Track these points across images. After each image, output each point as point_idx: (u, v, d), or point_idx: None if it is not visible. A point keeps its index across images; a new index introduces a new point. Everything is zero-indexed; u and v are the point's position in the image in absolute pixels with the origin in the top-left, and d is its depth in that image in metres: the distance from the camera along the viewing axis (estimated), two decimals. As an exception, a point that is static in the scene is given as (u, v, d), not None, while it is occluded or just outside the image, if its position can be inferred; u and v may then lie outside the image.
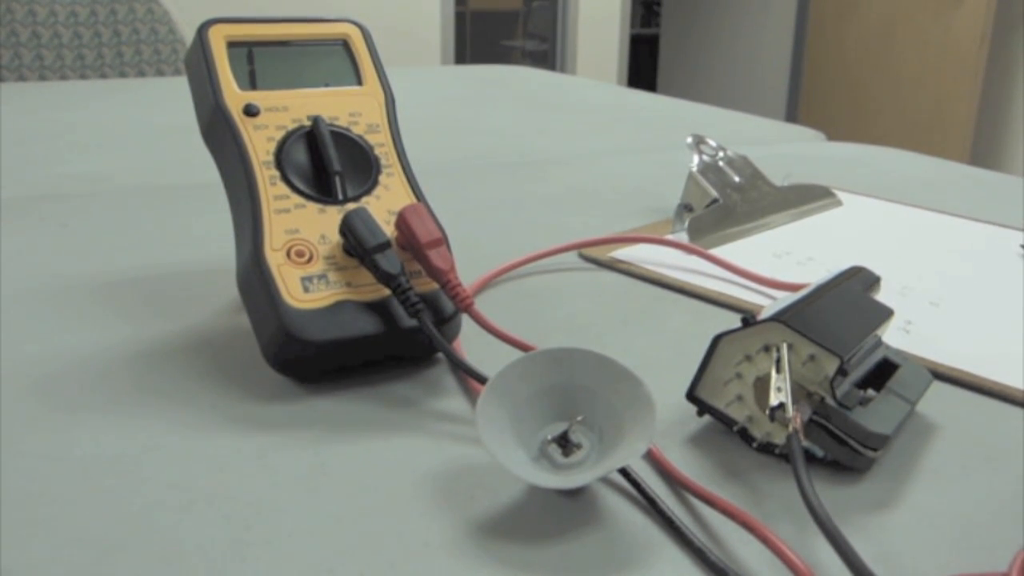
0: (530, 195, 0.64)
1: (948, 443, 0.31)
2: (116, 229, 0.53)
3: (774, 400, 0.28)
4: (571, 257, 0.50)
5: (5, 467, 0.28)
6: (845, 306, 0.31)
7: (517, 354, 0.37)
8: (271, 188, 0.35)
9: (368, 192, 0.36)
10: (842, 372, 0.28)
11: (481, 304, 0.43)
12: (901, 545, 0.26)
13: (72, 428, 0.31)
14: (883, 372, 0.32)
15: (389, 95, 0.39)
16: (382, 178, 0.37)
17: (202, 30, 0.37)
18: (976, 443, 0.31)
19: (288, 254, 0.34)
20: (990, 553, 0.25)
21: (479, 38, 4.19)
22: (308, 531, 0.25)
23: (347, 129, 0.37)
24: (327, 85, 0.38)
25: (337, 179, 0.36)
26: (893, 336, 0.40)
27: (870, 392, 0.30)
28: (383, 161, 0.37)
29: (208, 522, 0.26)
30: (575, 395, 0.29)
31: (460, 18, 3.50)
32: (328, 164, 0.36)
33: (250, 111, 0.36)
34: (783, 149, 0.84)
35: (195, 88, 0.38)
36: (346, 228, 0.34)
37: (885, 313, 0.32)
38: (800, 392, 0.28)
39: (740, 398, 0.30)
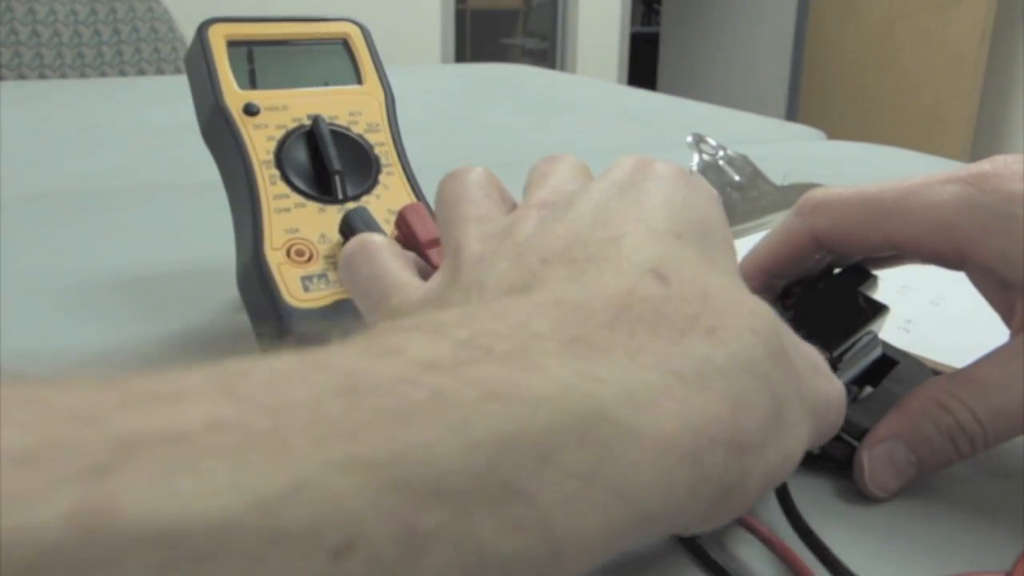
0: (530, 194, 0.64)
1: (948, 442, 0.31)
2: (116, 229, 0.53)
3: None
4: (571, 256, 0.50)
5: (5, 466, 0.28)
6: (837, 302, 0.31)
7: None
8: (271, 187, 0.35)
9: (368, 191, 0.36)
10: (832, 367, 0.28)
11: (481, 303, 0.43)
12: (900, 544, 0.26)
13: (72, 427, 0.30)
14: (881, 369, 0.32)
15: (389, 94, 0.39)
16: (382, 177, 0.37)
17: (202, 29, 0.37)
18: (976, 442, 0.31)
19: (288, 253, 0.34)
20: (990, 553, 0.25)
21: (479, 36, 4.18)
22: (308, 531, 0.25)
23: (347, 128, 0.37)
24: (327, 84, 0.38)
25: (337, 178, 0.36)
26: (893, 335, 0.40)
27: (867, 389, 0.30)
28: (383, 160, 0.37)
29: (208, 522, 0.26)
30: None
31: (460, 16, 3.50)
32: (328, 163, 0.36)
33: (250, 110, 0.36)
34: (783, 148, 0.84)
35: (195, 87, 0.38)
36: (346, 227, 0.34)
37: (879, 309, 0.32)
38: None
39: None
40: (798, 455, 0.20)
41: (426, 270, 0.27)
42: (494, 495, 0.15)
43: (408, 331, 0.17)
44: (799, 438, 0.20)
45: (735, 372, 0.18)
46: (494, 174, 0.28)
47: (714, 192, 0.25)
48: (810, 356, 0.22)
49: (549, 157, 0.28)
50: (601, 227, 0.21)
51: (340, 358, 0.16)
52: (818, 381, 0.22)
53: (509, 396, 0.16)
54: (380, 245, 0.28)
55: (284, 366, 0.15)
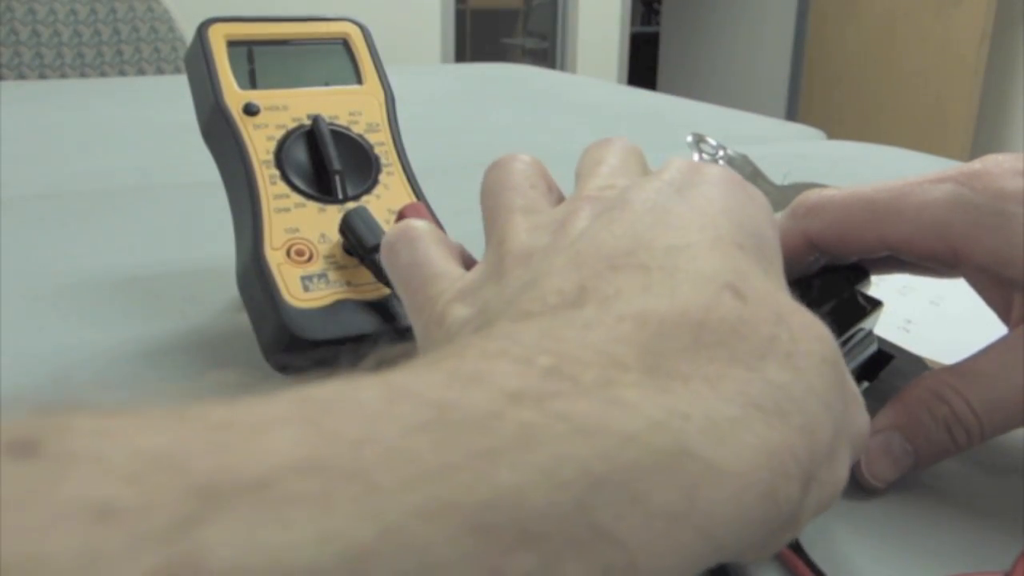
0: (530, 194, 0.63)
1: (948, 442, 0.31)
2: (116, 229, 0.53)
3: None
4: (571, 256, 0.50)
5: (5, 466, 0.28)
6: (832, 298, 0.31)
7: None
8: (271, 187, 0.35)
9: (368, 191, 0.36)
10: None
11: (481, 303, 0.43)
12: (899, 544, 0.26)
13: (72, 427, 0.30)
14: (877, 364, 0.32)
15: (389, 94, 0.39)
16: (382, 177, 0.37)
17: (202, 29, 0.37)
18: (976, 442, 0.31)
19: (288, 253, 0.34)
20: (990, 553, 0.25)
21: (479, 36, 4.18)
22: (308, 530, 0.25)
23: (347, 128, 0.37)
24: (327, 84, 0.38)
25: (337, 178, 0.36)
26: (893, 335, 0.40)
27: (864, 384, 0.30)
28: (383, 160, 0.37)
29: (208, 521, 0.25)
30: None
31: (460, 16, 3.50)
32: (328, 163, 0.36)
33: (250, 110, 0.36)
34: (783, 147, 0.84)
35: (195, 87, 0.38)
36: (346, 227, 0.34)
37: (874, 305, 0.32)
38: None
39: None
40: (843, 483, 0.20)
41: (470, 260, 0.27)
42: (583, 538, 0.14)
43: (493, 357, 0.17)
44: (845, 467, 0.20)
45: (811, 403, 0.18)
46: (541, 162, 0.27)
47: (767, 202, 0.24)
48: (852, 386, 0.22)
49: (601, 141, 0.27)
50: (663, 230, 0.21)
51: (425, 385, 0.15)
52: (856, 410, 0.22)
53: (597, 433, 0.15)
54: (423, 232, 0.27)
55: (368, 395, 0.15)
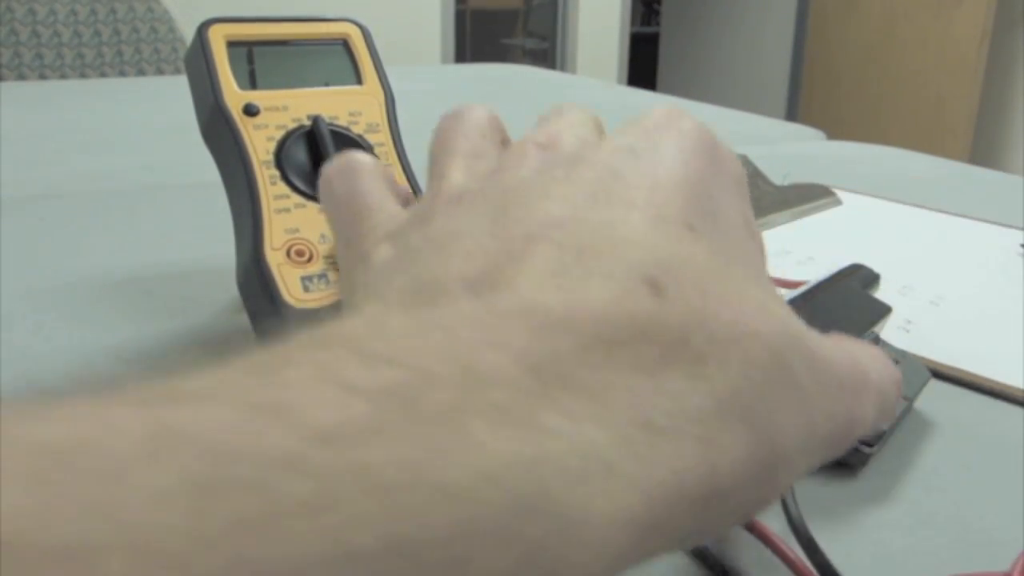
0: (530, 194, 0.63)
1: (947, 441, 0.31)
2: (116, 229, 0.53)
3: None
4: (571, 256, 0.50)
5: (5, 467, 0.28)
6: (841, 303, 0.31)
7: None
8: (271, 188, 0.35)
9: (368, 191, 0.36)
10: None
11: (481, 303, 0.43)
12: (900, 544, 0.26)
13: (72, 428, 0.30)
14: None
15: (389, 94, 0.39)
16: (382, 177, 0.37)
17: (202, 29, 0.37)
18: (975, 442, 0.31)
19: (288, 253, 0.34)
20: (990, 553, 0.25)
21: (479, 36, 4.18)
22: (308, 531, 0.25)
23: (347, 128, 0.37)
24: (327, 84, 0.38)
25: (337, 178, 0.36)
26: (893, 335, 0.40)
27: None
28: (383, 160, 0.37)
29: (208, 522, 0.25)
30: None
31: (460, 16, 3.50)
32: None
33: (250, 111, 0.36)
34: (783, 148, 0.84)
35: (195, 87, 0.38)
36: (346, 227, 0.34)
37: (883, 310, 0.32)
38: None
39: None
40: (786, 487, 0.18)
41: (411, 200, 0.25)
42: None
43: (317, 380, 0.13)
44: (792, 472, 0.18)
45: (711, 412, 0.16)
46: (500, 118, 0.26)
47: (740, 171, 0.22)
48: (835, 371, 0.19)
49: (565, 103, 0.25)
50: (604, 202, 0.18)
51: (208, 422, 0.12)
52: (842, 398, 0.19)
53: (413, 487, 0.12)
54: (364, 165, 0.25)
55: (124, 441, 0.11)
